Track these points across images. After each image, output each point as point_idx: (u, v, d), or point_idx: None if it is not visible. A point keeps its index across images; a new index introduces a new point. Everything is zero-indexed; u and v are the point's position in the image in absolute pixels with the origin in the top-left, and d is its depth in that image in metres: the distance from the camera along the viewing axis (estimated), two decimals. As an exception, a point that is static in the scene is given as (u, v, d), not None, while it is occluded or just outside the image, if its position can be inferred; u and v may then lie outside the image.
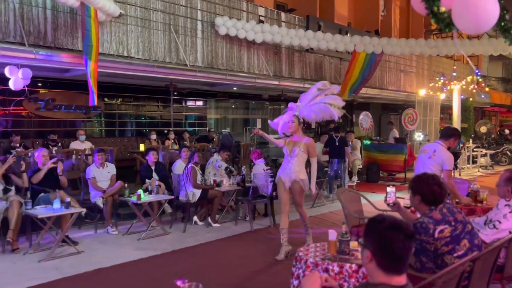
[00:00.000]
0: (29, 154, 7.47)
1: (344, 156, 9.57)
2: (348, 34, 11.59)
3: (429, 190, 2.80)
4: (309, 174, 5.41)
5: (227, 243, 5.97)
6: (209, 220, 6.90)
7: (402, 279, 1.79)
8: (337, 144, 9.61)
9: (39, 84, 9.75)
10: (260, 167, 7.30)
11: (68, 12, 7.44)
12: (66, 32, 7.46)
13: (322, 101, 5.39)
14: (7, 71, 6.70)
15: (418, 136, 13.51)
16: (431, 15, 2.39)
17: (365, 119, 13.46)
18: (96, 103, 7.08)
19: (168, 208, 7.30)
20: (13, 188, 5.77)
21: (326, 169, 9.54)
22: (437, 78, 14.48)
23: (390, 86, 15.35)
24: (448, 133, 4.89)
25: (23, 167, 5.92)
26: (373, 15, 17.44)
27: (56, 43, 7.33)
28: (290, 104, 5.64)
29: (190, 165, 6.93)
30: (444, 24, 2.40)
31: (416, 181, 2.92)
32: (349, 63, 11.84)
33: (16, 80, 6.75)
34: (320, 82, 5.69)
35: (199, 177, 6.95)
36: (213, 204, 6.92)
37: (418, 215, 3.04)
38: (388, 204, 3.45)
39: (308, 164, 5.43)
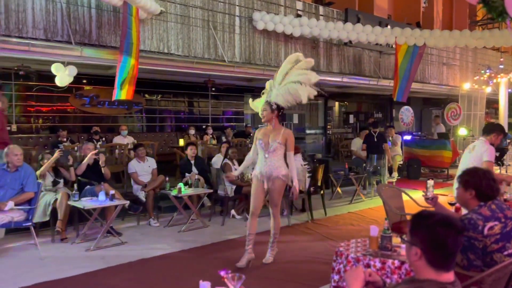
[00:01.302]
0: (75, 148, 7.80)
1: (383, 152, 9.36)
2: (388, 27, 11.31)
3: (487, 184, 2.68)
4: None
5: (265, 237, 5.97)
6: (246, 214, 6.95)
7: (450, 276, 1.75)
8: (375, 140, 9.41)
9: (84, 81, 10.14)
10: (297, 162, 7.24)
11: (111, 10, 7.68)
12: (109, 30, 7.71)
13: (291, 79, 4.55)
14: (53, 68, 7.00)
15: (462, 132, 13.03)
16: (482, 4, 2.29)
17: (405, 113, 13.11)
18: (124, 97, 7.27)
19: (207, 202, 7.42)
20: (61, 180, 6.06)
21: (364, 164, 9.38)
22: (483, 71, 13.89)
23: (432, 79, 14.88)
24: (488, 129, 4.74)
25: (71, 161, 6.18)
26: (414, 6, 16.90)
27: (100, 41, 7.59)
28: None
29: (225, 160, 7.01)
30: (496, 13, 2.29)
31: (470, 175, 2.78)
32: (389, 56, 11.56)
33: (62, 77, 7.04)
34: (292, 54, 4.77)
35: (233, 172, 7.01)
36: (249, 199, 6.96)
37: (463, 213, 2.95)
38: (426, 199, 3.34)
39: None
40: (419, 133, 14.40)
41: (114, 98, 7.20)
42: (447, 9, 19.25)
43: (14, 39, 6.66)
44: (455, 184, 2.90)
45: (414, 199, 5.03)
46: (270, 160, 4.55)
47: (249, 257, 4.64)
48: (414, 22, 15.12)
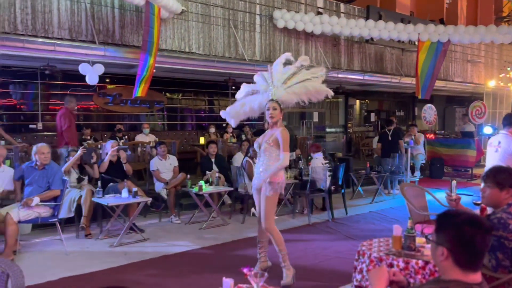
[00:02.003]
0: (99, 146, 7.94)
1: (397, 150, 9.13)
2: (411, 24, 11.14)
3: None
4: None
5: (285, 235, 5.91)
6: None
7: (478, 277, 1.71)
8: (389, 138, 9.21)
9: (107, 80, 10.31)
10: (318, 161, 7.25)
11: (134, 10, 7.79)
12: (132, 30, 7.82)
13: (304, 78, 4.24)
14: (81, 69, 7.14)
15: (487, 130, 12.74)
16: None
17: (428, 112, 12.89)
18: (141, 95, 7.41)
19: (227, 200, 7.47)
20: (86, 177, 6.18)
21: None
22: (509, 68, 13.54)
23: (456, 77, 14.59)
24: (509, 120, 4.50)
25: (94, 159, 6.31)
26: (437, 3, 16.55)
27: (123, 41, 7.71)
28: (247, 86, 4.51)
29: (245, 158, 7.04)
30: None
31: (504, 174, 2.72)
32: (412, 54, 11.38)
33: (91, 76, 7.17)
34: (284, 55, 4.46)
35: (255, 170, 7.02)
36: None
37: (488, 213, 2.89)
38: (450, 200, 3.25)
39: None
40: (442, 131, 14.13)
41: (133, 95, 7.37)
42: (471, 5, 18.79)
43: (41, 39, 6.82)
44: (482, 184, 2.83)
45: (438, 199, 4.94)
46: (259, 162, 4.18)
47: (262, 266, 4.36)
48: (438, 18, 14.84)
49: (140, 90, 7.31)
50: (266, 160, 4.11)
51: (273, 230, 4.18)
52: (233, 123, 4.61)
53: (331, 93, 4.36)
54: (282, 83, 4.26)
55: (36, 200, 4.97)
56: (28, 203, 4.92)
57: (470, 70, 15.23)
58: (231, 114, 4.55)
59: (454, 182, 3.51)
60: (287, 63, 4.42)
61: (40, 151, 5.22)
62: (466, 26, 11.43)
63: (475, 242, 1.64)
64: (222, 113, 4.66)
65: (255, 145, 4.31)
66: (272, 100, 4.19)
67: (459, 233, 1.66)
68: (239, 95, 4.64)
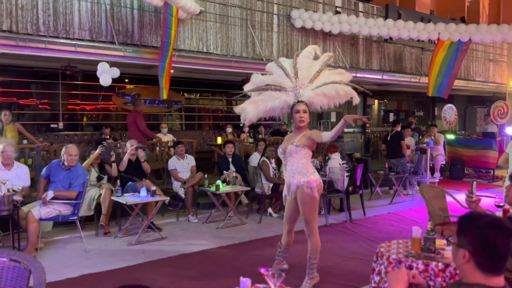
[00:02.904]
0: (118, 145, 8.05)
1: (396, 154, 8.86)
2: (431, 23, 10.97)
3: None
4: None
5: (302, 236, 5.92)
6: (283, 212, 6.93)
7: (500, 281, 1.67)
8: (388, 139, 9.05)
9: (126, 80, 10.44)
10: (335, 161, 7.20)
11: (152, 11, 7.87)
12: (151, 30, 7.90)
13: (330, 79, 3.99)
14: (99, 68, 7.24)
15: (510, 131, 12.44)
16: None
17: (449, 112, 12.67)
18: (165, 97, 7.51)
19: (244, 199, 7.48)
20: (106, 176, 6.27)
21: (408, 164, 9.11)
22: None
23: (477, 77, 14.29)
24: None
25: (113, 158, 6.39)
26: (458, 1, 16.26)
27: (142, 41, 7.79)
28: (263, 79, 4.14)
29: (262, 158, 7.03)
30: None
31: None
32: (431, 53, 11.20)
33: (105, 77, 7.27)
34: (309, 48, 4.29)
35: (271, 170, 7.02)
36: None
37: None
38: (471, 201, 3.16)
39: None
40: (463, 132, 13.87)
41: (161, 97, 7.46)
42: (494, 3, 18.40)
43: (62, 40, 6.95)
44: (507, 182, 2.76)
45: (458, 200, 4.85)
46: (289, 167, 3.92)
47: (277, 268, 4.17)
48: (458, 17, 14.57)
49: (164, 92, 7.38)
50: (295, 162, 3.85)
51: (313, 236, 3.95)
52: (247, 121, 4.17)
53: (357, 100, 4.05)
54: (309, 81, 3.96)
55: (50, 194, 5.04)
56: (45, 201, 5.00)
57: (492, 69, 14.91)
58: (248, 111, 4.09)
59: (474, 183, 3.44)
60: (314, 58, 4.17)
61: (68, 153, 5.30)
62: (488, 25, 11.19)
63: (498, 245, 1.60)
64: (237, 109, 4.23)
65: (279, 152, 4.05)
66: (301, 101, 3.89)
67: (482, 236, 1.63)
68: (251, 86, 4.24)
